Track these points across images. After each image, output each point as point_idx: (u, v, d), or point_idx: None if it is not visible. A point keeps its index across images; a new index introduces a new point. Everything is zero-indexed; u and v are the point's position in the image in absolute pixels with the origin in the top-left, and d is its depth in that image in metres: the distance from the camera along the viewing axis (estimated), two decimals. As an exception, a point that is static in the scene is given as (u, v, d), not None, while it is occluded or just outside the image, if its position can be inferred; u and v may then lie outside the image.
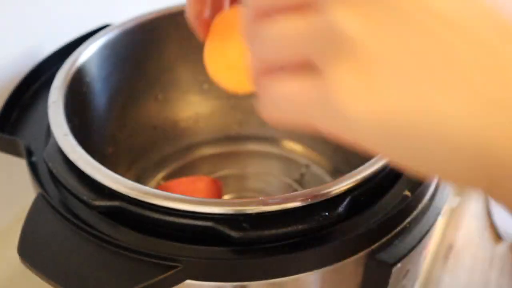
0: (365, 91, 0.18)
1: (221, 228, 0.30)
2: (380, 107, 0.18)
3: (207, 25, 0.35)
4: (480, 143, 0.17)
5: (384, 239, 0.34)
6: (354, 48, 0.17)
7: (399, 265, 0.33)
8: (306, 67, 0.19)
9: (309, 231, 0.31)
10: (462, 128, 0.17)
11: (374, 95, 0.18)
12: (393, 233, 0.34)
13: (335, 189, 0.32)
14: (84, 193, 0.33)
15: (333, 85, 0.18)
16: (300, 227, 0.30)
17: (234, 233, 0.30)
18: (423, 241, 0.35)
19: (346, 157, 0.55)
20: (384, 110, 0.17)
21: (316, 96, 0.19)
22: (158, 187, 0.53)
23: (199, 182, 0.48)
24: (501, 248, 0.60)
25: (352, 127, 0.18)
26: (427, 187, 0.36)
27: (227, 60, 0.33)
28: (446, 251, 0.58)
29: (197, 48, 0.54)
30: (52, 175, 0.36)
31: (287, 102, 0.20)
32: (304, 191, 0.32)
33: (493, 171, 0.18)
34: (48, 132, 0.41)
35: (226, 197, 0.54)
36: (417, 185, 0.36)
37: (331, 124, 0.19)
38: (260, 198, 0.31)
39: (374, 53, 0.17)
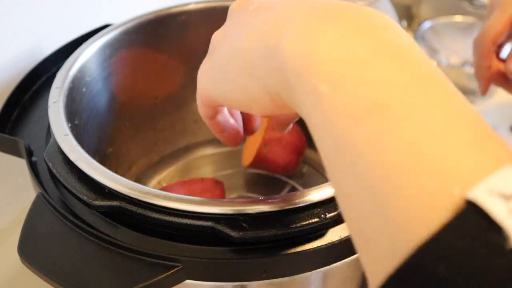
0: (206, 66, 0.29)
1: (221, 228, 0.30)
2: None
3: (489, 81, 0.50)
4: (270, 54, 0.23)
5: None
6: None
7: (399, 265, 0.33)
8: None
9: (308, 231, 0.31)
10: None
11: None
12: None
13: (335, 189, 0.32)
14: (84, 193, 0.33)
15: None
16: (299, 227, 0.30)
17: (234, 233, 0.30)
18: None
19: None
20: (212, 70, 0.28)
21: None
22: (161, 188, 0.53)
23: (202, 184, 0.48)
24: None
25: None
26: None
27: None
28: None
29: (197, 48, 0.54)
30: (52, 175, 0.36)
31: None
32: (304, 191, 0.32)
33: (279, 76, 0.22)
34: (48, 132, 0.41)
35: (226, 197, 0.54)
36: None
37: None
38: (260, 198, 0.31)
39: (213, 44, 0.29)
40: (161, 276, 0.30)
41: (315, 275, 0.32)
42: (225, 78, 0.27)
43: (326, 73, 0.20)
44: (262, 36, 0.23)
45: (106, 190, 0.33)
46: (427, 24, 0.86)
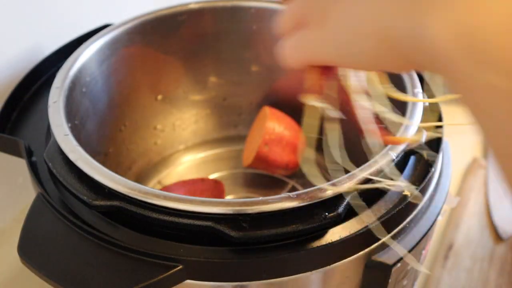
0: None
1: (221, 228, 0.30)
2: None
3: None
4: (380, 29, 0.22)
5: (383, 239, 0.34)
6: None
7: (398, 265, 0.33)
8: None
9: (308, 231, 0.31)
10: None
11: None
12: (392, 233, 0.34)
13: (335, 189, 0.32)
14: (84, 193, 0.33)
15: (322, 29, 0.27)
16: (299, 227, 0.31)
17: (234, 233, 0.30)
18: (423, 241, 0.35)
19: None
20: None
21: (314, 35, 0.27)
22: (161, 188, 0.53)
23: (202, 184, 0.48)
24: (501, 248, 0.60)
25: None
26: (426, 187, 0.36)
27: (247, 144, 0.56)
28: (446, 250, 0.59)
29: (197, 48, 0.54)
30: (52, 175, 0.36)
31: (302, 43, 0.28)
32: (303, 191, 0.32)
33: (400, 50, 0.21)
34: (48, 132, 0.41)
35: (226, 197, 0.55)
36: (417, 185, 0.36)
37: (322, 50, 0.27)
38: (260, 198, 0.31)
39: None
40: (161, 276, 0.30)
41: (315, 275, 0.32)
42: (347, 42, 0.24)
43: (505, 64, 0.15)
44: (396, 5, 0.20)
45: (106, 190, 0.33)
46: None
